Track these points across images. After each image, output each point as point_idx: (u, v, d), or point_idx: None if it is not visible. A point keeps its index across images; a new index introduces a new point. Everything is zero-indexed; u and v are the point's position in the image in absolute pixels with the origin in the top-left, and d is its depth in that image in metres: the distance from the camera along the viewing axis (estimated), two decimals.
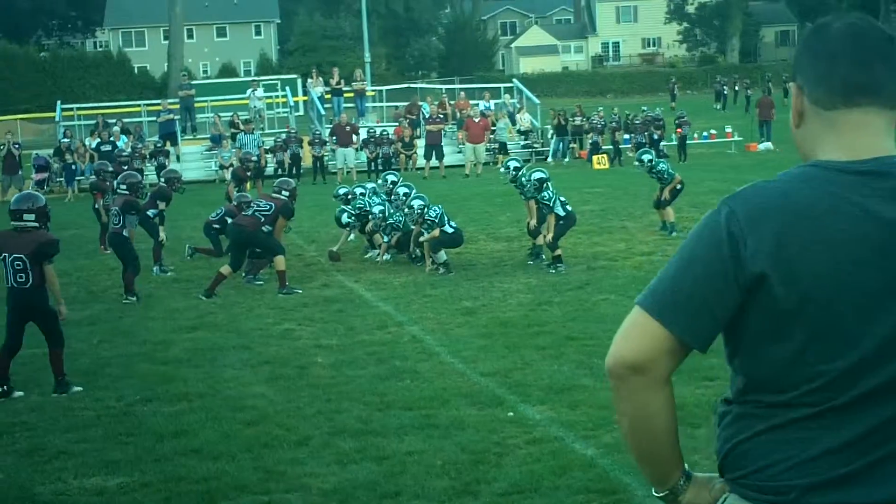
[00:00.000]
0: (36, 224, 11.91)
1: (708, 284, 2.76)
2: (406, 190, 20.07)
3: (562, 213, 18.48)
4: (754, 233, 2.71)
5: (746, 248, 2.71)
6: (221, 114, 44.05)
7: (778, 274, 2.70)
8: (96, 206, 22.92)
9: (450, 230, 18.73)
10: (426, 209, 18.83)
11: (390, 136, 41.27)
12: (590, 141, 42.73)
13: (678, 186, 21.54)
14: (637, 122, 43.05)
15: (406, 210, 19.41)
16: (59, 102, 47.19)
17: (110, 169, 23.54)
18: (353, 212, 20.90)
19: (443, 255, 18.59)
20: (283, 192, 18.56)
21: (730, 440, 2.92)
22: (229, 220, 19.55)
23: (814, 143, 2.90)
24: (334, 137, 40.25)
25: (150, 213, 19.77)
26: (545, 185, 18.59)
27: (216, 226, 20.88)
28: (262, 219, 17.91)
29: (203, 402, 11.04)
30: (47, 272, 11.72)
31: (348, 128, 40.54)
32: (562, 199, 18.79)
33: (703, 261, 2.77)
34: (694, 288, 2.77)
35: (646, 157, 22.22)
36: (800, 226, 2.71)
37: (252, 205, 18.47)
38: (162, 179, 21.39)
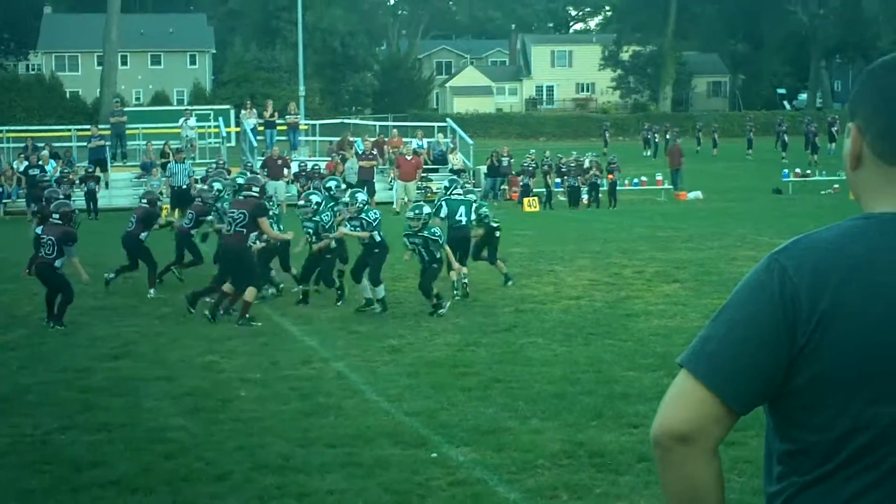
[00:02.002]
0: None
1: (760, 347, 2.58)
2: (336, 182, 20.20)
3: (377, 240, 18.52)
4: (810, 292, 2.56)
5: (802, 309, 2.56)
6: (154, 142, 43.83)
7: (833, 332, 2.54)
8: (37, 231, 22.67)
9: (378, 238, 18.55)
10: (367, 207, 18.71)
11: (322, 171, 41.21)
12: (521, 183, 42.90)
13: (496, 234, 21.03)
14: (572, 165, 43.28)
15: (347, 198, 19.19)
16: None
17: (61, 197, 23.30)
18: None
19: (381, 290, 18.39)
20: (254, 189, 18.25)
21: None
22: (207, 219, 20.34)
23: (869, 192, 2.70)
24: (265, 170, 40.10)
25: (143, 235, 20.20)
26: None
27: (192, 231, 21.09)
28: (245, 230, 17.61)
29: (123, 433, 10.88)
30: None
31: (280, 161, 40.43)
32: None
33: (754, 322, 2.60)
34: (745, 351, 2.59)
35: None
36: (858, 283, 2.55)
37: (228, 219, 18.08)
38: (143, 200, 21.43)
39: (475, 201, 20.96)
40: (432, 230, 17.94)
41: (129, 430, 11.03)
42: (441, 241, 18.02)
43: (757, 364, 2.59)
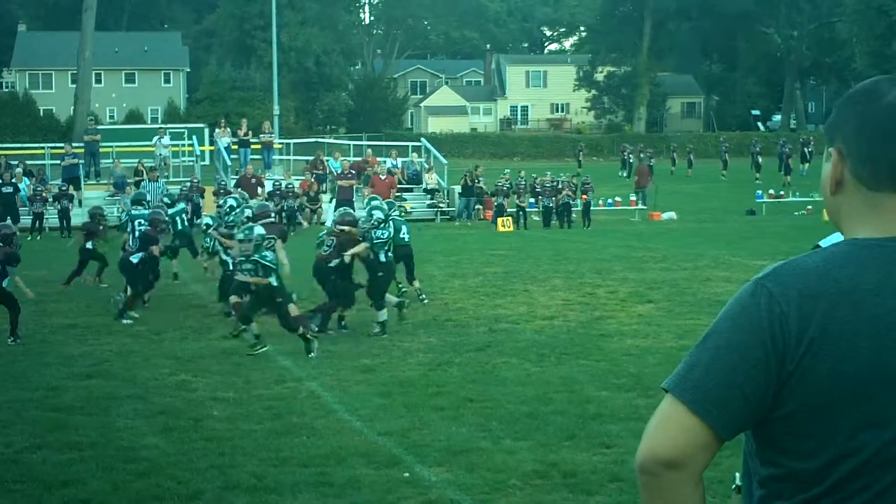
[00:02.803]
0: None
1: (748, 374, 2.57)
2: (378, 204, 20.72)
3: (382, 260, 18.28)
4: (799, 318, 2.55)
5: (790, 335, 2.54)
6: (127, 160, 43.79)
7: (822, 358, 2.53)
8: (87, 246, 22.95)
9: (383, 259, 18.29)
10: (382, 224, 18.42)
11: (296, 190, 41.19)
12: (495, 203, 42.97)
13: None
14: (547, 185, 43.34)
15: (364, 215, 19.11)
16: None
17: (104, 213, 23.65)
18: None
19: (384, 314, 18.11)
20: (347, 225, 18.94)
21: None
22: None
23: (850, 217, 2.69)
24: (239, 188, 40.00)
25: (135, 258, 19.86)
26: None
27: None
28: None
29: (94, 452, 10.83)
30: None
31: (254, 180, 40.38)
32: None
33: (741, 348, 2.58)
34: (733, 377, 2.57)
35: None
36: (845, 309, 2.54)
37: (324, 241, 18.63)
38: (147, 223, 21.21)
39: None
40: (263, 254, 16.51)
41: (101, 448, 10.98)
42: (276, 266, 16.72)
43: (744, 391, 2.57)
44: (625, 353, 15.96)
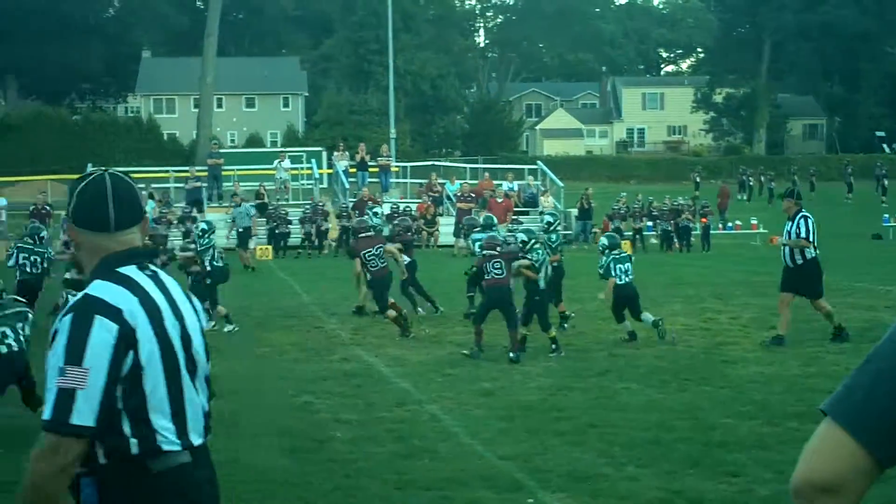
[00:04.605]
0: None
1: None
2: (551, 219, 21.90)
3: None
4: None
5: None
6: (248, 183, 44.57)
7: None
8: None
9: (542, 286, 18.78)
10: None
11: (413, 213, 41.41)
12: (612, 226, 42.84)
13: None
14: (665, 209, 43.14)
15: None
16: (89, 165, 47.59)
17: (163, 233, 24.19)
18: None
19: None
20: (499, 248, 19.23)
21: None
22: None
23: None
24: (356, 211, 40.38)
25: None
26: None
27: None
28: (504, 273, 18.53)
29: (222, 472, 10.84)
30: None
31: (371, 202, 40.72)
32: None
33: None
34: (892, 402, 2.51)
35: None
36: None
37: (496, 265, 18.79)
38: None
39: None
40: None
41: (227, 468, 11.07)
42: None
43: None
44: (749, 380, 15.75)
